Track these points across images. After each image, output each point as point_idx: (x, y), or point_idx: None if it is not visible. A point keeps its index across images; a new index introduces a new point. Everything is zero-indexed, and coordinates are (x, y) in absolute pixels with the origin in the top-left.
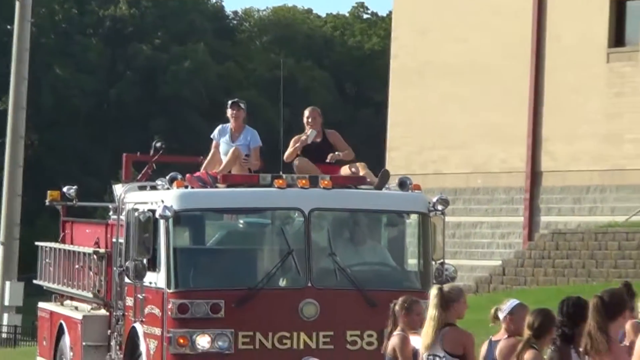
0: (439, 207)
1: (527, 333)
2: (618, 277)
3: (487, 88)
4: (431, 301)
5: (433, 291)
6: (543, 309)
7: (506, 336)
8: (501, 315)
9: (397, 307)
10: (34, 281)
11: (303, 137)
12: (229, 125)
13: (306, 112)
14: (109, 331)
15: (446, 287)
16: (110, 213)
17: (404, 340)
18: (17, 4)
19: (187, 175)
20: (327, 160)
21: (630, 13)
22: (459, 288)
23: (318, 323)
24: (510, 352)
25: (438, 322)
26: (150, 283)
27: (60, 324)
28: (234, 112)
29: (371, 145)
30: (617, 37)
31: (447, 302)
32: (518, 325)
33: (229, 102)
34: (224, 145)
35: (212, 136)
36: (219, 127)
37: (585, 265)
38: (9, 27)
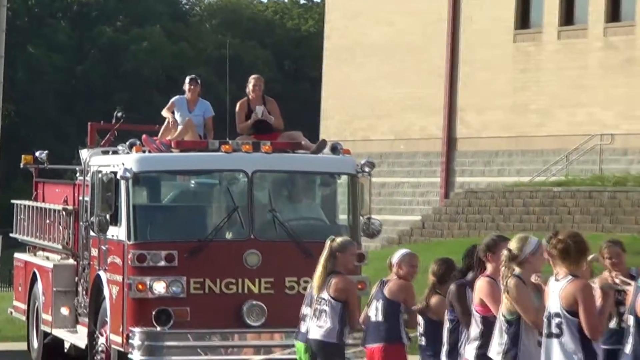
0: (366, 169)
1: (431, 279)
2: (523, 230)
3: (409, 64)
4: (324, 251)
5: (327, 242)
6: (446, 258)
7: (395, 278)
8: (393, 262)
9: (334, 245)
10: (10, 234)
11: (254, 114)
12: (186, 98)
13: (252, 80)
14: (76, 278)
15: (338, 239)
16: (77, 175)
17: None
18: None
19: (144, 136)
20: (256, 113)
21: (535, 6)
22: (349, 241)
23: (260, 271)
24: (398, 290)
25: (325, 269)
26: (113, 236)
27: (34, 272)
28: (192, 86)
29: (307, 116)
30: (523, 20)
31: (334, 252)
32: (405, 270)
33: (187, 77)
34: (180, 115)
35: (163, 112)
36: (176, 98)
37: (494, 219)
38: None
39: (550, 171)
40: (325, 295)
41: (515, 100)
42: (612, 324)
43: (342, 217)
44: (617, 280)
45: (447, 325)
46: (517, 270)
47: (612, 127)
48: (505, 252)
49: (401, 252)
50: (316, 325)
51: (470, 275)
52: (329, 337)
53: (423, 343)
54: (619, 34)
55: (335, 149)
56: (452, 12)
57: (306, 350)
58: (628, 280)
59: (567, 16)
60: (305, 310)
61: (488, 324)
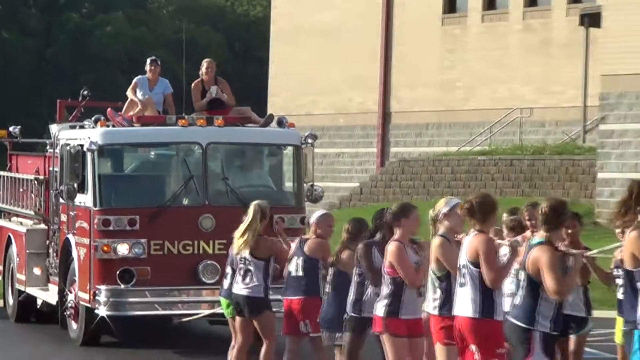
0: (309, 141)
1: (344, 236)
2: (450, 194)
3: (347, 46)
4: (248, 216)
5: (251, 208)
6: (359, 219)
7: (314, 237)
8: (311, 222)
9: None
10: None
11: (209, 94)
12: (147, 77)
13: (204, 64)
14: (47, 241)
15: (262, 203)
16: (48, 148)
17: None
18: None
19: (109, 110)
20: (210, 92)
21: None
22: (265, 206)
23: (214, 233)
24: (317, 248)
25: (254, 231)
26: (80, 203)
27: (9, 236)
28: (152, 67)
29: (256, 93)
30: (450, 5)
31: (262, 217)
32: (323, 229)
33: (148, 59)
34: (143, 94)
35: (128, 91)
36: (138, 78)
37: (425, 186)
38: None
39: (475, 142)
40: (247, 255)
41: (443, 78)
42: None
43: (288, 185)
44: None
45: (354, 279)
46: (441, 229)
47: (530, 101)
48: (429, 214)
49: (318, 213)
50: (243, 283)
51: (378, 235)
52: (256, 293)
53: (327, 290)
54: (537, 17)
55: (281, 122)
56: (385, 3)
57: (228, 305)
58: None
59: (490, 1)
60: (227, 269)
61: (397, 284)
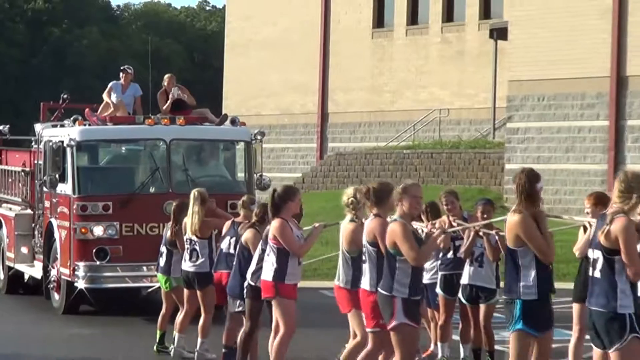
0: (258, 137)
1: (254, 219)
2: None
3: (290, 56)
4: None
5: (192, 195)
6: (264, 203)
7: (246, 221)
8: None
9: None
10: None
11: (171, 95)
12: (120, 83)
13: (165, 79)
14: (33, 224)
15: (202, 190)
16: (33, 144)
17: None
18: None
19: (86, 110)
20: (172, 94)
21: (388, 4)
22: (204, 192)
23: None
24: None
25: (199, 215)
26: (61, 191)
27: (0, 221)
28: (124, 74)
29: (212, 97)
30: (379, 21)
31: (203, 201)
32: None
33: (121, 67)
34: (116, 97)
35: (104, 94)
36: (113, 83)
37: (358, 176)
38: None
39: (401, 138)
40: (193, 237)
41: (373, 83)
42: (450, 254)
43: (240, 175)
44: (453, 222)
45: (258, 253)
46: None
47: (447, 103)
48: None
49: (255, 204)
50: (190, 261)
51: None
52: (203, 269)
53: (234, 263)
54: (453, 31)
55: (234, 121)
56: (323, 14)
57: (165, 280)
58: (461, 222)
59: (413, 18)
60: (162, 249)
61: (281, 254)
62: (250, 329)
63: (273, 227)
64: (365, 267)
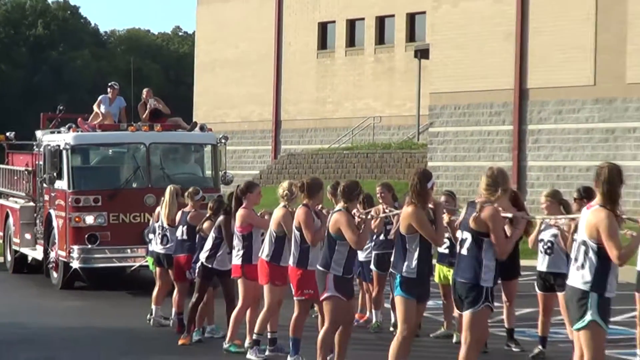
0: (223, 141)
1: (209, 212)
2: (324, 179)
3: (249, 73)
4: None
5: (168, 189)
6: (219, 197)
7: (193, 210)
8: (194, 200)
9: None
10: None
11: (148, 106)
12: (108, 96)
13: (144, 92)
14: (35, 215)
15: (176, 186)
16: (34, 148)
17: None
18: None
19: (79, 118)
20: (150, 104)
21: (330, 30)
22: (179, 188)
23: (155, 208)
24: (196, 218)
25: (174, 207)
26: (58, 187)
27: (7, 211)
28: (111, 89)
29: (185, 107)
30: (322, 44)
31: (177, 195)
32: (198, 205)
33: (109, 84)
34: (104, 108)
35: (94, 106)
36: (102, 96)
37: (306, 172)
38: None
39: (341, 141)
40: (165, 224)
41: (318, 95)
42: (382, 236)
43: (208, 172)
44: (385, 209)
45: (211, 239)
46: (283, 203)
47: (380, 112)
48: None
49: (200, 194)
50: (161, 244)
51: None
52: (170, 251)
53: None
54: (384, 52)
55: (202, 128)
56: (277, 39)
57: (154, 261)
58: (392, 209)
59: (350, 41)
60: (150, 236)
61: (247, 239)
62: (197, 300)
63: (239, 215)
64: (294, 247)
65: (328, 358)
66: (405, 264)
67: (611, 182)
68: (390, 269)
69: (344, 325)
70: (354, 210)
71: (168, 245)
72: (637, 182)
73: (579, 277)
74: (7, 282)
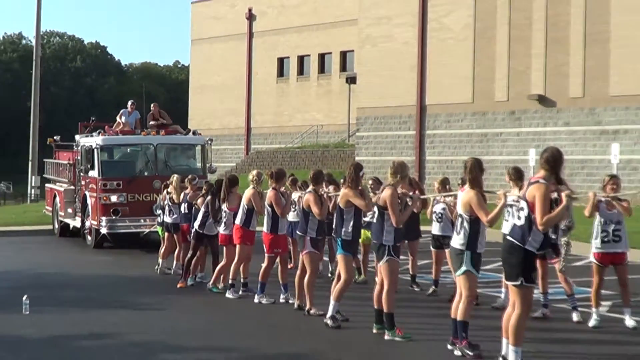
0: (209, 142)
1: (203, 191)
2: (291, 174)
3: (228, 94)
4: (173, 181)
5: (175, 177)
6: (208, 182)
7: (191, 191)
8: (191, 183)
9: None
10: (44, 175)
11: (153, 117)
12: (127, 110)
13: (152, 106)
14: (74, 195)
15: (179, 175)
16: (74, 147)
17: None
18: (34, 69)
19: (106, 126)
20: (157, 118)
21: (286, 64)
22: (179, 177)
23: (160, 190)
24: (194, 197)
25: (176, 188)
26: (91, 175)
27: (55, 193)
28: (130, 105)
29: (182, 119)
30: (280, 73)
31: (181, 181)
32: (191, 187)
33: (129, 101)
34: (125, 119)
35: (117, 117)
36: (123, 110)
37: (269, 165)
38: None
39: (294, 142)
40: (170, 202)
41: (277, 110)
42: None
43: (198, 164)
44: (330, 193)
45: (202, 212)
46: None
47: (321, 121)
48: (248, 177)
49: (197, 180)
50: (169, 216)
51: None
52: (176, 221)
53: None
54: (324, 79)
55: (194, 133)
56: (248, 69)
57: (163, 229)
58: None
59: (300, 71)
60: (158, 211)
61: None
62: (192, 256)
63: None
64: (266, 218)
65: (283, 295)
66: (343, 230)
67: (473, 171)
68: (332, 234)
69: (311, 272)
70: (321, 190)
71: (174, 217)
72: (502, 170)
73: (457, 239)
74: (54, 243)
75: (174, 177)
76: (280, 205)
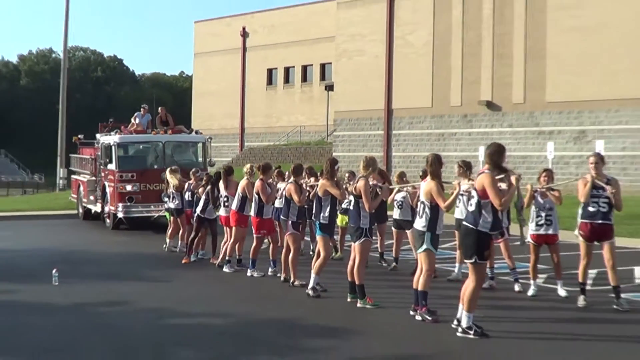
0: (209, 140)
1: (204, 181)
2: (278, 167)
3: (226, 99)
4: (176, 172)
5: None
6: (206, 174)
7: (196, 182)
8: (196, 175)
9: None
10: (69, 168)
11: (161, 119)
12: (141, 112)
13: (160, 109)
14: (96, 184)
15: (177, 167)
16: (95, 144)
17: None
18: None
19: (122, 126)
20: (164, 120)
21: (274, 74)
22: (177, 168)
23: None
24: (198, 187)
25: (177, 178)
26: (110, 168)
27: (79, 183)
28: (142, 109)
29: (186, 121)
30: (269, 82)
31: (179, 172)
32: (196, 178)
33: (141, 105)
34: (138, 120)
35: (132, 119)
36: (136, 113)
37: (259, 160)
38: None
39: (281, 140)
40: (174, 191)
41: (267, 113)
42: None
43: (200, 159)
44: (311, 183)
45: (203, 199)
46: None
47: (304, 123)
48: (243, 170)
49: (199, 172)
50: (172, 202)
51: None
52: (179, 206)
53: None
54: (307, 87)
55: (197, 132)
56: (242, 79)
57: (170, 213)
58: (314, 183)
59: (286, 80)
60: (165, 198)
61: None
62: (194, 236)
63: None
64: (254, 205)
65: (272, 269)
66: (322, 214)
67: (433, 165)
68: (312, 218)
69: (295, 250)
70: (301, 181)
71: (176, 202)
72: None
73: (419, 222)
74: (79, 225)
75: (175, 168)
76: (265, 193)
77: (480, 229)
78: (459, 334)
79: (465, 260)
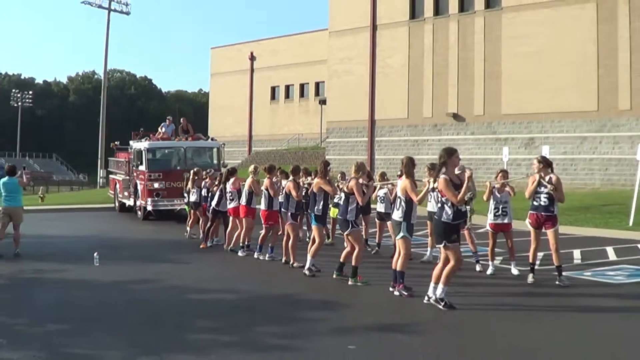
0: (223, 145)
1: (218, 179)
2: (279, 167)
3: (237, 112)
4: (190, 175)
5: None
6: (220, 173)
7: (210, 180)
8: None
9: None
10: (108, 169)
11: (183, 129)
12: (166, 123)
13: (182, 120)
14: (129, 183)
15: (197, 168)
16: (129, 149)
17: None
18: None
19: (151, 134)
20: (185, 129)
21: (276, 91)
22: (200, 169)
23: (189, 180)
24: (213, 184)
25: (197, 177)
26: (141, 169)
27: (115, 181)
28: (168, 120)
29: (204, 130)
30: (272, 96)
31: (199, 172)
32: (210, 177)
33: (167, 117)
34: (165, 129)
35: (159, 128)
36: (163, 123)
37: (265, 162)
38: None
39: (282, 146)
40: (192, 187)
41: (270, 123)
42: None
43: (215, 162)
44: (307, 181)
45: (217, 194)
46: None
47: (302, 131)
48: (249, 170)
49: (213, 172)
50: (192, 197)
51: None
52: (197, 200)
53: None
54: (303, 102)
55: (212, 139)
56: (250, 94)
57: (190, 206)
58: (310, 181)
59: (287, 96)
60: (185, 194)
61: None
62: (210, 225)
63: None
64: (263, 199)
65: (269, 255)
66: (316, 207)
67: (407, 166)
68: (308, 210)
69: (294, 237)
70: (299, 179)
71: (194, 197)
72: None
73: (397, 214)
74: (116, 217)
75: (195, 170)
76: (273, 188)
77: (444, 220)
78: (431, 302)
79: (437, 245)
